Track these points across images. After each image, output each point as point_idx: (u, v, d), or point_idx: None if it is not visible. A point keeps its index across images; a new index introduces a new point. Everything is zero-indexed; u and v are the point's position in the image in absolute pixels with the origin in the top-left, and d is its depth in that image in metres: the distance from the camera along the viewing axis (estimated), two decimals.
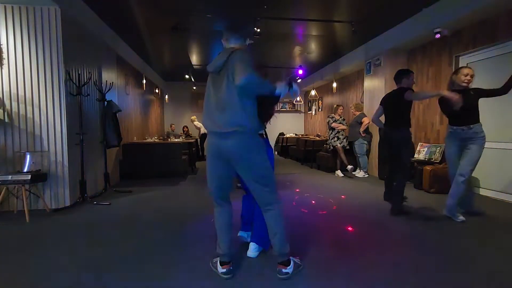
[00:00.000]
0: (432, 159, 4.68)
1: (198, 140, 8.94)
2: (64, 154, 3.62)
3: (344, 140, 6.04)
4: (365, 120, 5.77)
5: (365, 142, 5.84)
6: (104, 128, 4.53)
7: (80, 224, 3.01)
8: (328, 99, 9.14)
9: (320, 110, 9.81)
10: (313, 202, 3.86)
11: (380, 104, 3.51)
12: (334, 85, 8.20)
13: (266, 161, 1.84)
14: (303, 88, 10.56)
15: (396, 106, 3.28)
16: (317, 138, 7.90)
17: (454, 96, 2.68)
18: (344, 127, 6.07)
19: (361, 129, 5.77)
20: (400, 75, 3.35)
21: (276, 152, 10.85)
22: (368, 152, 5.99)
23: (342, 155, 5.95)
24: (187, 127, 9.53)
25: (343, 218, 3.18)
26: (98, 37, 4.61)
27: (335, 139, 6.03)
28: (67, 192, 3.64)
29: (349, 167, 5.89)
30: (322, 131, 9.13)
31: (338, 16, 4.79)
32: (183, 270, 1.99)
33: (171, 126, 9.74)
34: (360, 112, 6.06)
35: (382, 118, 3.51)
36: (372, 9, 4.40)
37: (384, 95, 3.59)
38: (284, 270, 1.84)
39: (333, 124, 6.06)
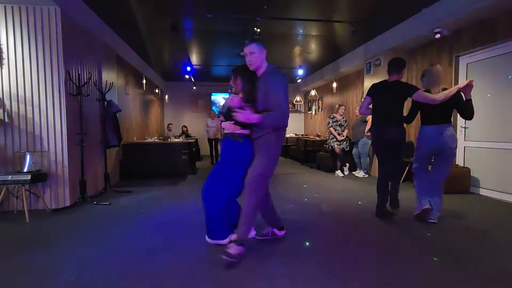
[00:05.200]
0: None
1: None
2: (64, 154, 3.62)
3: (344, 142, 6.04)
4: (370, 119, 5.77)
5: (370, 141, 5.85)
6: (104, 128, 4.53)
7: (80, 224, 3.01)
8: (328, 99, 9.13)
9: (320, 110, 9.80)
10: (310, 202, 3.86)
11: (368, 95, 3.13)
12: (334, 85, 8.20)
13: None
14: (303, 88, 10.58)
15: (393, 100, 2.95)
16: (317, 138, 7.90)
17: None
18: (340, 137, 6.03)
19: (367, 128, 5.77)
20: (402, 65, 3.01)
21: None
22: (372, 154, 6.00)
23: (339, 157, 6.02)
24: (185, 127, 9.46)
25: (341, 218, 3.19)
26: (98, 37, 4.61)
27: (334, 139, 6.04)
28: (67, 192, 3.64)
29: (344, 168, 6.13)
30: (322, 131, 9.13)
31: (338, 16, 4.79)
32: (183, 269, 1.99)
33: (168, 126, 9.33)
34: None
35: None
36: (372, 9, 4.40)
37: (371, 85, 3.16)
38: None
39: (330, 129, 6.12)
